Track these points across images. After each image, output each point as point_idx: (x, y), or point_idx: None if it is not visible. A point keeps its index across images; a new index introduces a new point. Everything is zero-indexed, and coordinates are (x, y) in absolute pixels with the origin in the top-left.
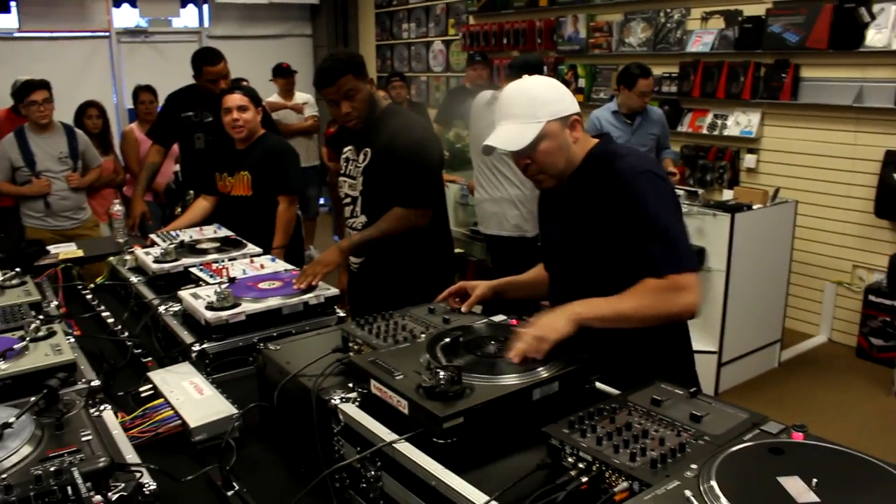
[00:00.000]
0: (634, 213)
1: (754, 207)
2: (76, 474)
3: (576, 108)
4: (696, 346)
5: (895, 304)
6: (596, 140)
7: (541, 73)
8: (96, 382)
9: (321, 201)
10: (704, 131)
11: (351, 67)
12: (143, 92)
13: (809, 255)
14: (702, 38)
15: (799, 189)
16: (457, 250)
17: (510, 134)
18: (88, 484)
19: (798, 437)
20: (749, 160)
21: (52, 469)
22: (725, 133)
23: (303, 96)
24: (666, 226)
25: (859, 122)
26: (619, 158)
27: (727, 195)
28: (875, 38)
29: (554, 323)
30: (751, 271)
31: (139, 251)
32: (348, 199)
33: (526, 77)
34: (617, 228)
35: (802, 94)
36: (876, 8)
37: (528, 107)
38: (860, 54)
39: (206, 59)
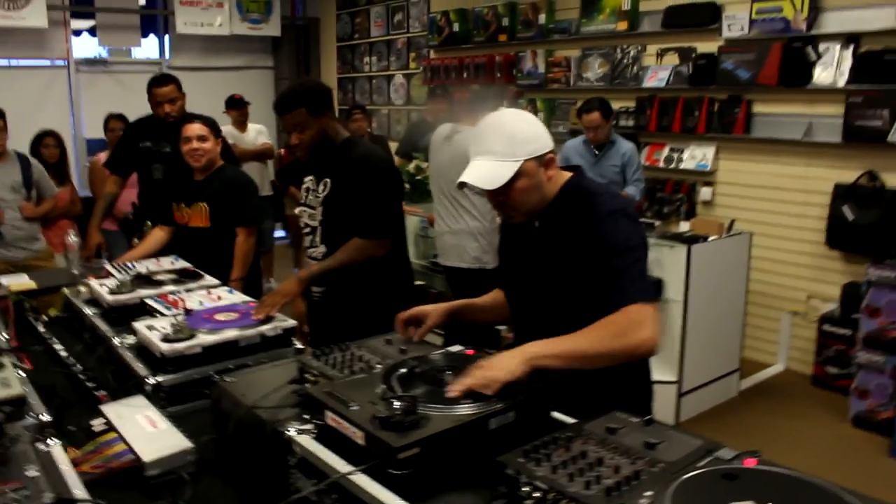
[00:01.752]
0: (599, 250)
1: (710, 239)
2: None
3: (551, 146)
4: (655, 376)
5: (848, 333)
6: (568, 174)
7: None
8: (46, 417)
9: (280, 233)
10: (661, 164)
11: (306, 101)
12: (114, 120)
13: (765, 286)
14: (657, 74)
15: (753, 221)
16: (417, 282)
17: (486, 171)
18: None
19: (751, 462)
20: (705, 193)
21: None
22: (682, 166)
23: (256, 127)
24: (629, 262)
25: (809, 155)
26: (593, 195)
27: (684, 227)
28: (822, 76)
29: (507, 363)
30: (708, 302)
31: (94, 283)
32: (308, 229)
33: (504, 111)
34: (584, 263)
35: (755, 128)
36: (821, 47)
37: (507, 144)
38: (808, 91)
39: (154, 81)
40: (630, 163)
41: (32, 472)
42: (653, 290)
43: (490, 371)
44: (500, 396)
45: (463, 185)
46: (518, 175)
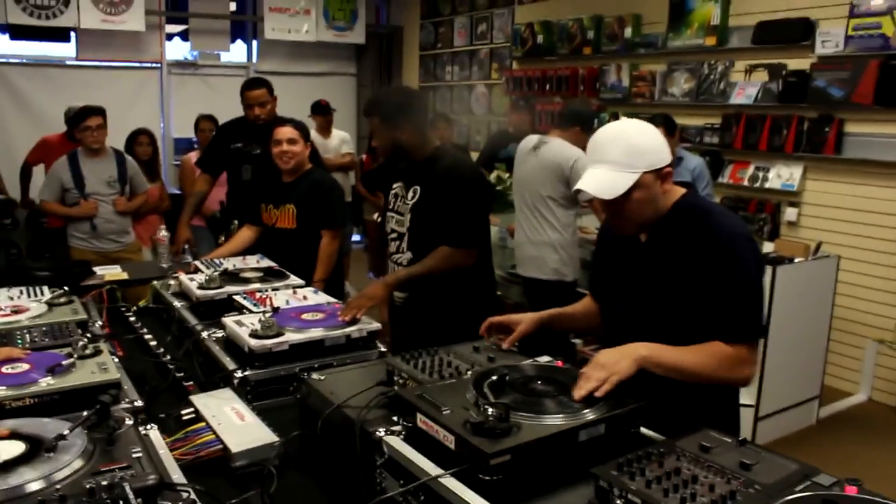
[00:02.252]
0: (726, 275)
1: (796, 261)
2: (128, 490)
3: (669, 160)
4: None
5: None
6: (682, 190)
7: (592, 122)
8: (139, 403)
9: (355, 238)
10: (745, 183)
11: (381, 110)
12: (204, 120)
13: (851, 312)
14: (745, 91)
15: (841, 244)
16: None
17: (604, 181)
18: (139, 500)
19: (851, 490)
20: (790, 213)
21: (104, 483)
22: (767, 185)
23: (340, 134)
24: (753, 296)
25: None
26: (710, 215)
27: (767, 248)
28: None
29: (619, 363)
30: (791, 325)
31: (183, 277)
32: (395, 235)
33: (625, 120)
34: (700, 283)
35: (846, 148)
36: None
37: (626, 155)
38: None
39: (246, 85)
40: (700, 178)
41: (137, 453)
42: (763, 329)
43: (605, 371)
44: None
45: (579, 191)
46: (635, 187)
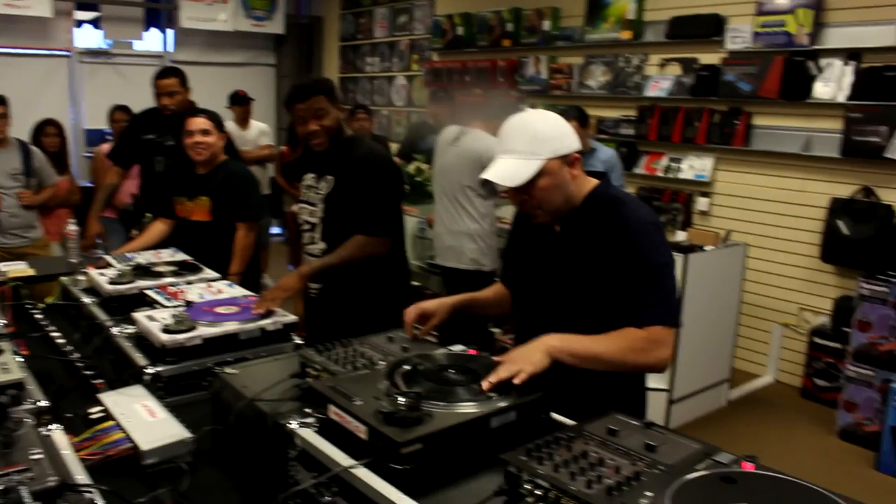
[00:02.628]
0: (635, 262)
1: (706, 249)
2: (24, 493)
3: (576, 146)
4: (648, 383)
5: (839, 346)
6: (594, 181)
7: (586, 116)
8: (44, 403)
9: (274, 230)
10: (660, 173)
11: (324, 90)
12: (118, 111)
13: (758, 297)
14: (659, 84)
15: (749, 232)
16: (414, 283)
17: (509, 169)
18: (38, 503)
19: (749, 467)
20: (702, 203)
21: None
22: (680, 176)
23: (259, 125)
24: (662, 281)
25: (807, 169)
26: (623, 204)
27: (680, 236)
28: (822, 90)
29: (531, 356)
30: (702, 311)
31: (93, 272)
32: (307, 226)
33: (528, 111)
34: (612, 272)
35: (754, 140)
36: (823, 62)
37: (530, 143)
38: (808, 105)
39: (157, 74)
40: (612, 169)
41: (36, 455)
42: (678, 315)
43: (518, 364)
44: (501, 395)
45: (487, 182)
46: (541, 173)
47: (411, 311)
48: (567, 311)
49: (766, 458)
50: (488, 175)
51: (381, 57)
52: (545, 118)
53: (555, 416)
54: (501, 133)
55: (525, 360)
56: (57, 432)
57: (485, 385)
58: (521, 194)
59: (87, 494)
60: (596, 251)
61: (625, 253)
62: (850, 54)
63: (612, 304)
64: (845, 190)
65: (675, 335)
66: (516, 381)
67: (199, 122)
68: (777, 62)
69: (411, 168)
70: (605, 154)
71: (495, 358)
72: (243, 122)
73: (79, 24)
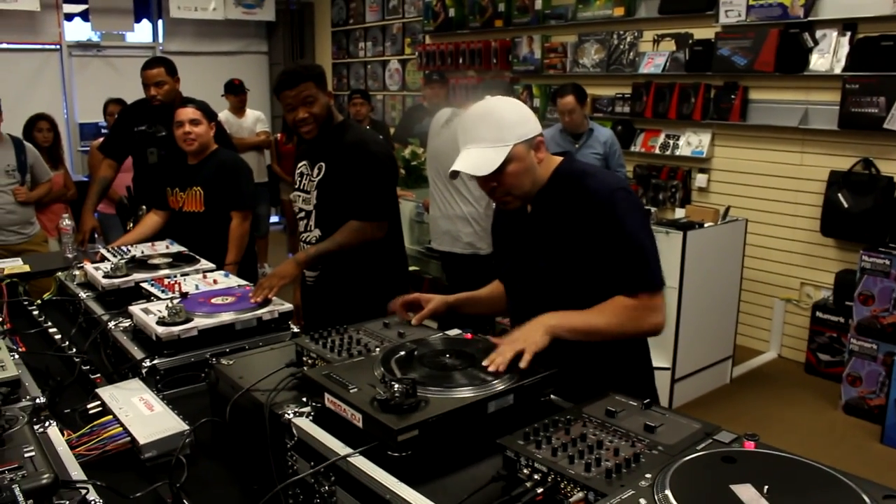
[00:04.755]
0: (611, 231)
1: (706, 225)
2: (17, 491)
3: (539, 130)
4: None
5: (841, 320)
6: (558, 159)
7: (585, 93)
8: (41, 399)
9: (274, 219)
10: (657, 151)
11: (313, 76)
12: (112, 104)
13: (759, 273)
14: (654, 60)
15: (748, 208)
16: (412, 268)
17: (477, 159)
18: (31, 501)
19: (749, 445)
20: (700, 179)
21: None
22: (677, 153)
23: (254, 113)
24: (641, 244)
25: (805, 143)
26: (588, 176)
27: (679, 213)
28: (818, 62)
29: (531, 336)
30: (703, 288)
31: (88, 266)
32: (302, 214)
33: (489, 98)
34: (589, 245)
35: (751, 115)
36: (818, 34)
37: (495, 130)
38: (805, 78)
39: (144, 64)
40: (612, 150)
41: (30, 452)
42: (663, 276)
43: (520, 344)
44: (500, 377)
45: (455, 174)
46: (509, 160)
47: (406, 298)
48: (550, 290)
49: (771, 434)
50: (457, 167)
51: (374, 41)
52: (507, 104)
53: (555, 398)
54: (464, 124)
55: (526, 339)
56: (52, 429)
57: (488, 364)
58: (491, 182)
59: (84, 490)
60: (567, 226)
61: (598, 222)
62: (846, 25)
63: (594, 276)
64: (844, 163)
65: (664, 298)
66: (522, 363)
67: (188, 112)
68: (772, 35)
69: (406, 152)
70: (604, 135)
71: (494, 340)
72: (239, 110)
73: (69, 17)
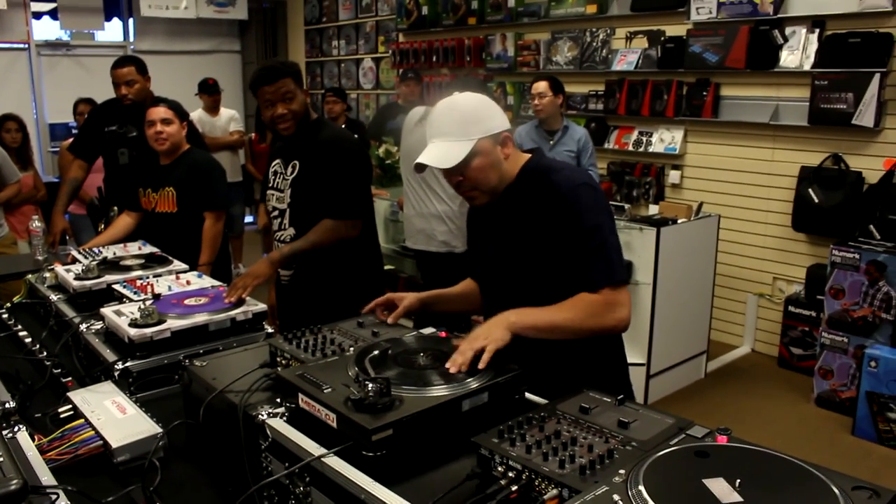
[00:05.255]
0: (572, 226)
1: (679, 221)
2: None
3: (506, 125)
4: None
5: (813, 314)
6: (528, 155)
7: (561, 84)
8: (10, 404)
9: (249, 219)
10: (630, 148)
11: (292, 73)
12: (83, 104)
13: (732, 268)
14: (626, 58)
15: (721, 204)
16: (387, 266)
17: (441, 152)
18: None
19: (722, 440)
20: (673, 176)
21: None
22: (650, 150)
23: (228, 112)
24: (603, 240)
25: (776, 139)
26: (554, 172)
27: (653, 210)
28: (788, 59)
29: (491, 333)
30: (677, 284)
31: (59, 268)
32: (276, 213)
33: (456, 94)
34: (554, 240)
35: (723, 111)
36: (788, 31)
37: (460, 125)
38: (775, 74)
39: (114, 63)
40: (585, 148)
41: None
42: (625, 271)
43: (479, 342)
44: (472, 376)
45: (421, 167)
46: (473, 154)
47: (380, 298)
48: (519, 287)
49: (745, 427)
50: (421, 159)
51: (347, 40)
52: (473, 100)
53: (530, 396)
54: (430, 119)
55: (487, 337)
56: (21, 434)
57: (450, 366)
58: (456, 176)
59: (54, 496)
60: (533, 221)
61: (561, 218)
62: (814, 22)
63: (559, 272)
64: (815, 158)
65: (628, 293)
66: (480, 363)
67: (159, 112)
68: (742, 32)
69: (381, 151)
70: (578, 133)
71: (455, 341)
72: (213, 110)
73: (37, 15)
